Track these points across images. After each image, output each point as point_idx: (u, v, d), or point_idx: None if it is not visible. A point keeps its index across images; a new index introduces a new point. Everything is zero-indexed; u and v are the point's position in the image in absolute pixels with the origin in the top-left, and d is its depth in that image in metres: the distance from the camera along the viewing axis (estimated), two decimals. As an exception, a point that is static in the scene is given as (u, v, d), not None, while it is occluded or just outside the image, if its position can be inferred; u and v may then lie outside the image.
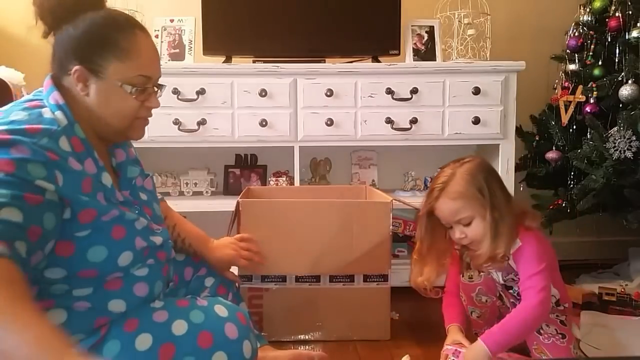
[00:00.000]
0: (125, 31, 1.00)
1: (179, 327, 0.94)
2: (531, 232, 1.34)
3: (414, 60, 2.18)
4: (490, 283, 1.43)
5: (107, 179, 1.01)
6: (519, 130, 2.23)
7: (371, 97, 2.05)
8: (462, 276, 1.44)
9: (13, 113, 0.93)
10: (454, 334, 1.41)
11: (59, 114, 0.96)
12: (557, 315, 1.41)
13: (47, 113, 0.95)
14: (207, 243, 1.38)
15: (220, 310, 1.00)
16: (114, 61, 0.98)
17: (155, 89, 1.08)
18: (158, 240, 1.09)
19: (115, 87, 0.99)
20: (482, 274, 1.42)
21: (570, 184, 2.10)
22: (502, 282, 1.43)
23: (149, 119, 1.11)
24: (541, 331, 1.36)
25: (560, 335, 1.35)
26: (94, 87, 0.99)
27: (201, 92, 2.01)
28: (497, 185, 1.34)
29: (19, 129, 0.88)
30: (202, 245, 1.37)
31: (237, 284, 1.46)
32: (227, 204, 1.83)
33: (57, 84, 1.01)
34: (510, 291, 1.45)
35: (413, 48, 2.20)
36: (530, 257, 1.30)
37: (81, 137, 0.98)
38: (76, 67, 0.97)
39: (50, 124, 0.93)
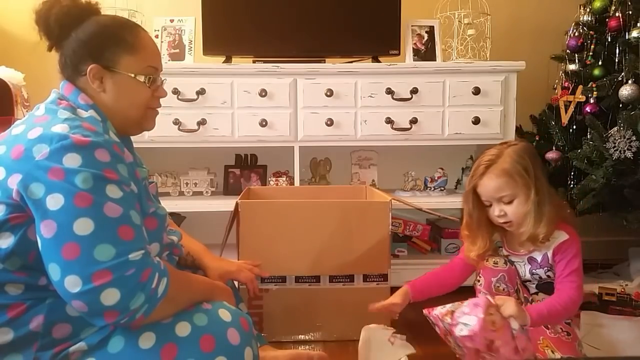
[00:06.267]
0: (130, 28, 1.07)
1: (183, 329, 0.94)
2: (572, 227, 1.39)
3: (414, 60, 2.18)
4: (513, 274, 1.44)
5: (142, 172, 1.07)
6: (519, 130, 2.23)
7: (371, 97, 2.05)
8: (487, 261, 1.46)
9: (59, 112, 0.96)
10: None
11: (92, 112, 1.01)
12: None
13: (83, 113, 1.00)
14: (208, 253, 1.42)
15: (224, 314, 1.00)
16: (125, 55, 1.05)
17: (161, 80, 1.15)
18: (174, 238, 1.19)
19: (129, 79, 1.05)
20: (507, 263, 1.44)
21: (570, 184, 2.10)
22: (527, 275, 1.44)
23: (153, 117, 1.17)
24: (548, 325, 1.38)
25: (565, 333, 1.37)
26: (109, 82, 1.04)
27: (201, 92, 2.01)
28: (541, 171, 1.39)
29: (86, 132, 0.92)
30: (202, 253, 1.40)
31: (236, 285, 1.47)
32: (227, 204, 1.83)
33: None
34: (528, 284, 1.47)
35: (413, 48, 2.20)
36: (575, 253, 1.35)
37: (114, 132, 1.04)
38: (92, 66, 1.02)
39: (95, 122, 0.98)
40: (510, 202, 1.36)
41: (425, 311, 1.33)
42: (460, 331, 1.27)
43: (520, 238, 1.40)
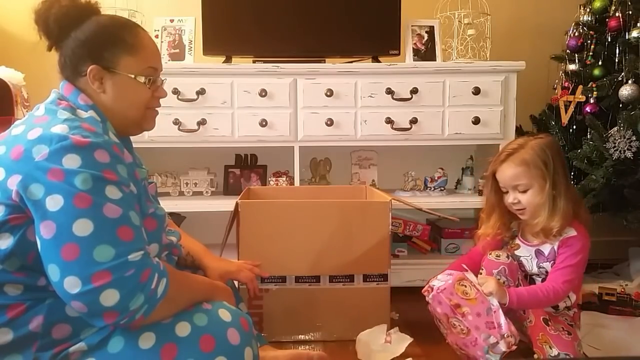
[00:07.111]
0: (129, 29, 1.07)
1: (183, 329, 0.94)
2: (584, 226, 1.44)
3: (414, 60, 2.18)
4: (514, 269, 1.46)
5: (142, 173, 1.07)
6: (519, 130, 2.23)
7: (371, 97, 2.05)
8: (490, 254, 1.49)
9: (59, 113, 0.95)
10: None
11: (92, 112, 1.01)
12: (565, 318, 1.44)
13: (83, 113, 1.00)
14: (208, 253, 1.41)
15: (224, 314, 1.00)
16: (125, 56, 1.04)
17: (161, 80, 1.15)
18: (173, 239, 1.19)
19: (128, 80, 1.05)
20: (510, 257, 1.47)
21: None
22: (535, 269, 1.47)
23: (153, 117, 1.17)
24: (549, 323, 1.39)
25: (566, 332, 1.39)
26: (109, 82, 1.04)
27: (201, 92, 2.01)
28: (562, 167, 1.42)
29: (86, 133, 0.92)
30: (201, 253, 1.39)
31: (236, 285, 1.47)
32: (227, 204, 1.83)
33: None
34: (535, 277, 1.49)
35: (413, 48, 2.20)
36: (578, 250, 1.39)
37: (114, 132, 1.04)
38: (91, 67, 1.02)
39: (94, 123, 0.98)
40: (524, 192, 1.42)
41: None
42: (429, 296, 1.38)
43: (534, 228, 1.44)
